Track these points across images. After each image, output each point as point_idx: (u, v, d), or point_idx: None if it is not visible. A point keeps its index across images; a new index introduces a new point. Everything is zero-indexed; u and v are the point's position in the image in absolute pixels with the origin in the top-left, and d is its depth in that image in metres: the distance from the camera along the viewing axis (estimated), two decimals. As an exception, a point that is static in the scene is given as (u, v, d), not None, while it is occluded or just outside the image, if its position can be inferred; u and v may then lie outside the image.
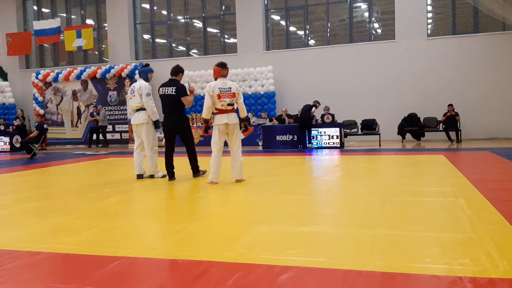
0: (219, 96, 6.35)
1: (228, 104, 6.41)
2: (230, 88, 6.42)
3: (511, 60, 14.67)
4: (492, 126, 14.74)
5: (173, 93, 6.97)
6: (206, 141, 14.73)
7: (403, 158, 9.96)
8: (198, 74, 16.92)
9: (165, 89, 7.04)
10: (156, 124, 7.28)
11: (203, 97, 16.65)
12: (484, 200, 4.65)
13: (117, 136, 18.32)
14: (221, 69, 6.47)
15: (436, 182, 6.26)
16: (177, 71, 7.21)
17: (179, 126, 7.10)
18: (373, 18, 16.93)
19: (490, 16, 14.38)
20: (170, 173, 7.10)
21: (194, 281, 2.64)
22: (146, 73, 7.45)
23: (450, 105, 14.11)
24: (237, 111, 6.64)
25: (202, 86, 17.05)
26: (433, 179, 6.53)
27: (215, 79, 6.52)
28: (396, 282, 2.56)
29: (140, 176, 7.31)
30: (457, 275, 2.57)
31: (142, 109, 7.21)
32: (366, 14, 16.87)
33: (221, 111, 6.45)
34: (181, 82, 7.16)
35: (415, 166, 8.41)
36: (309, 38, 17.70)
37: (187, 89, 7.15)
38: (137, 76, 7.92)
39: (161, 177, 7.34)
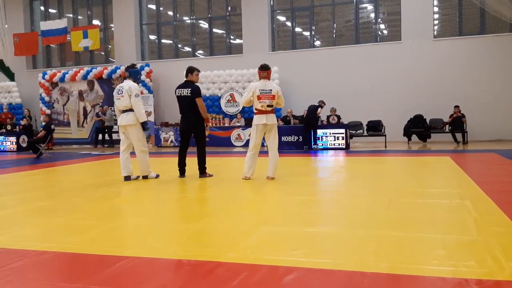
0: (259, 97, 6.61)
1: (268, 106, 6.64)
2: (271, 90, 6.66)
3: (518, 62, 14.60)
4: (499, 128, 14.65)
5: (188, 94, 7.15)
6: (212, 141, 14.78)
7: (408, 160, 9.93)
8: (203, 75, 16.89)
9: (181, 90, 7.23)
10: (143, 126, 7.17)
11: (209, 98, 16.94)
12: (490, 202, 4.63)
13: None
14: (261, 71, 6.77)
15: (442, 183, 6.23)
16: (188, 71, 7.38)
17: (194, 127, 7.25)
18: (379, 19, 16.88)
19: (497, 17, 14.30)
20: (182, 171, 7.38)
21: (199, 281, 2.64)
22: (136, 73, 7.51)
23: (457, 106, 14.05)
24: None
25: (208, 86, 17.09)
26: (439, 181, 6.50)
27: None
28: (401, 283, 2.55)
29: (127, 178, 7.18)
30: (462, 277, 2.55)
31: (131, 110, 7.06)
32: (372, 15, 16.83)
33: (260, 112, 6.68)
34: (196, 83, 7.34)
35: (421, 168, 8.39)
36: (315, 39, 17.68)
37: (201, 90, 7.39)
38: (121, 82, 7.75)
39: (155, 177, 7.38)
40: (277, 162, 6.81)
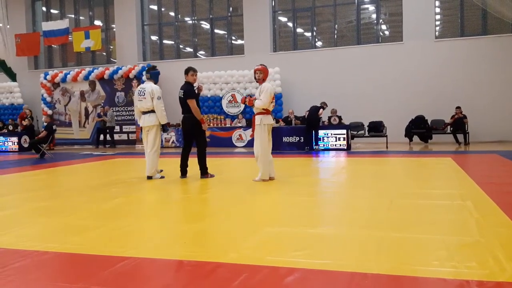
0: (273, 98, 6.69)
1: None
2: None
3: (520, 63, 14.58)
4: (500, 129, 14.63)
5: (181, 96, 7.24)
6: (213, 142, 14.80)
7: (410, 161, 9.92)
8: (205, 76, 16.95)
9: (179, 91, 7.33)
10: (164, 127, 7.41)
11: (210, 98, 16.94)
12: (491, 203, 4.63)
13: (124, 136, 18.39)
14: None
15: (444, 184, 6.23)
16: (184, 72, 7.39)
17: (191, 127, 7.30)
18: (381, 20, 16.87)
19: (498, 18, 14.29)
20: (183, 171, 7.43)
21: (200, 282, 2.65)
22: (157, 75, 7.65)
23: (458, 107, 14.03)
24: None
25: (209, 87, 17.10)
26: (441, 182, 6.50)
27: (264, 80, 6.75)
28: (403, 285, 2.55)
29: (150, 177, 7.43)
30: (464, 278, 2.55)
31: (152, 111, 7.27)
32: (374, 15, 16.82)
33: (268, 112, 6.74)
34: (193, 82, 7.35)
35: (422, 169, 8.38)
36: (316, 39, 17.68)
37: (194, 88, 7.38)
38: (144, 78, 8.00)
39: (159, 178, 7.43)
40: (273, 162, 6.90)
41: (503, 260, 2.82)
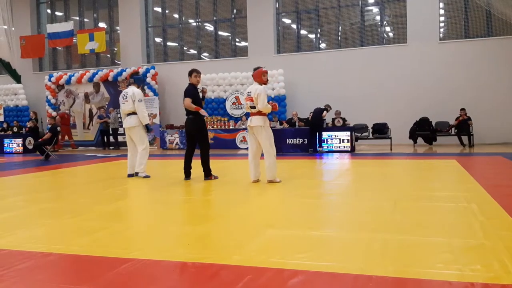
0: (245, 99, 6.84)
1: (250, 107, 6.78)
2: (250, 92, 6.77)
3: (525, 64, 14.52)
4: (505, 131, 14.57)
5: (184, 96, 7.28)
6: (217, 144, 14.81)
7: (414, 163, 9.89)
8: (209, 77, 16.97)
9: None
10: (147, 127, 7.86)
11: (214, 100, 16.96)
12: (496, 205, 4.60)
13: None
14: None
15: (448, 187, 6.20)
16: (188, 74, 7.44)
17: (194, 128, 7.31)
18: (385, 22, 16.85)
19: (503, 20, 14.23)
20: (187, 173, 7.46)
21: (203, 284, 2.64)
22: (140, 80, 8.29)
23: (463, 109, 13.99)
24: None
25: (213, 89, 17.11)
26: (445, 184, 6.47)
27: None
28: (407, 287, 2.54)
29: (131, 175, 7.98)
30: (469, 281, 2.54)
31: (134, 113, 7.76)
32: (378, 17, 16.80)
33: (251, 114, 6.86)
34: (196, 84, 7.39)
35: (426, 171, 8.35)
36: (320, 41, 17.68)
37: (199, 90, 7.41)
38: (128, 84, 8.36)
39: (144, 177, 7.73)
40: (271, 164, 6.67)
41: (508, 263, 2.81)
